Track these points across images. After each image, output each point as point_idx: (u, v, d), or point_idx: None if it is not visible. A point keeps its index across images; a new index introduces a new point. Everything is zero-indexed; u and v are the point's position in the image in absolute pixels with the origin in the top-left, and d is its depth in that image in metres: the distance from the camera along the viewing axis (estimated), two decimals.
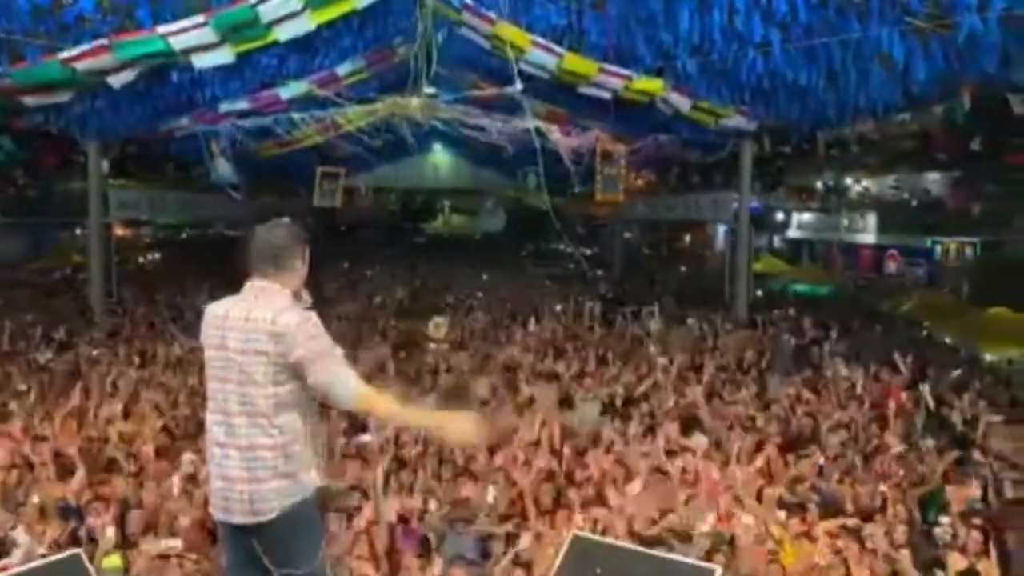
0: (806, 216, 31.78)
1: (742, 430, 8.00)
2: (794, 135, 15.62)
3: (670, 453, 6.98)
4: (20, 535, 5.36)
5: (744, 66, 10.30)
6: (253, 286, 3.11)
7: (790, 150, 16.30)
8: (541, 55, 10.72)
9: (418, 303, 17.92)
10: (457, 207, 41.87)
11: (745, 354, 11.61)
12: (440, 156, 26.88)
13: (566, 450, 7.08)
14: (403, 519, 5.77)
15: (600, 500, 6.06)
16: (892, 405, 8.58)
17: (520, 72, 10.25)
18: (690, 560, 3.61)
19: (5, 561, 4.95)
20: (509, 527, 5.53)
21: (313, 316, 3.06)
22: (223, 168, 15.98)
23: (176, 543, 5.36)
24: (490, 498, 5.93)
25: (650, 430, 7.88)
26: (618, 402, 8.93)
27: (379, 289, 19.87)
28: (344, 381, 2.99)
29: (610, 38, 10.51)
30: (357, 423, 7.54)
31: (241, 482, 3.02)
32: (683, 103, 12.09)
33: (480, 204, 39.65)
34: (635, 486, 6.19)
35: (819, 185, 30.28)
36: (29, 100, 10.83)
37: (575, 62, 10.89)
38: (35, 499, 5.84)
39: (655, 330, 13.77)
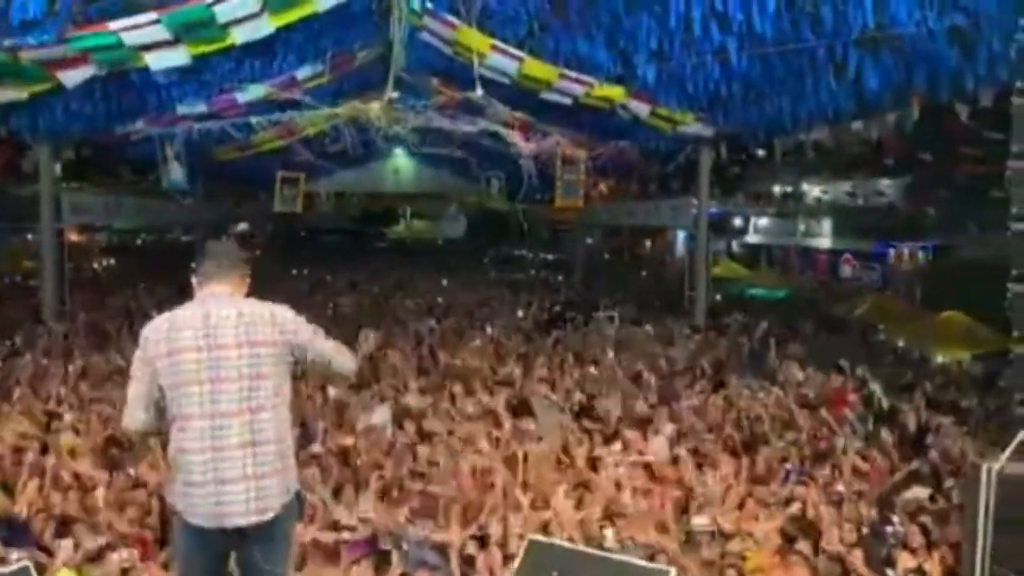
0: (764, 221, 32.32)
1: (697, 432, 8.09)
2: (751, 141, 15.88)
3: (633, 462, 7.03)
4: None
5: (701, 73, 10.43)
6: (217, 291, 3.18)
7: (747, 156, 16.56)
8: (502, 60, 10.75)
9: (379, 308, 17.81)
10: (418, 212, 41.79)
11: (702, 358, 11.75)
12: (401, 161, 26.82)
13: (521, 455, 7.09)
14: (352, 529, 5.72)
15: (551, 506, 6.07)
16: (844, 406, 8.77)
17: (481, 77, 10.26)
18: (645, 563, 3.63)
19: None
20: (466, 533, 5.51)
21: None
22: (176, 173, 15.79)
23: (131, 555, 5.26)
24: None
25: (610, 435, 7.94)
26: (576, 408, 8.96)
27: (336, 295, 19.70)
28: (341, 348, 3.33)
29: (570, 45, 10.56)
30: (309, 433, 7.47)
31: (243, 480, 2.98)
32: (642, 109, 12.21)
33: (442, 209, 39.64)
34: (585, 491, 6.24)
35: (776, 191, 30.83)
36: None
37: (535, 67, 10.94)
38: None
39: (614, 335, 13.86)
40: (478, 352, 11.58)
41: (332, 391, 8.66)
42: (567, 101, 12.00)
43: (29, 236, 25.82)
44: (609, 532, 5.41)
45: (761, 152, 18.34)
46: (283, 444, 3.11)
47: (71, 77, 10.01)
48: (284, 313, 3.18)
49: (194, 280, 3.25)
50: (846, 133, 12.31)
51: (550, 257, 32.18)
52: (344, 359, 3.32)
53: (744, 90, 11.12)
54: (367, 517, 5.68)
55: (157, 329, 3.11)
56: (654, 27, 9.28)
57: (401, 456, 7.02)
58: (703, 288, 15.94)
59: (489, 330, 13.62)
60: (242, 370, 3.01)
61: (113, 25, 9.04)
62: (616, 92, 11.48)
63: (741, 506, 6.24)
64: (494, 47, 10.57)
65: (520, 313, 16.13)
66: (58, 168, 15.40)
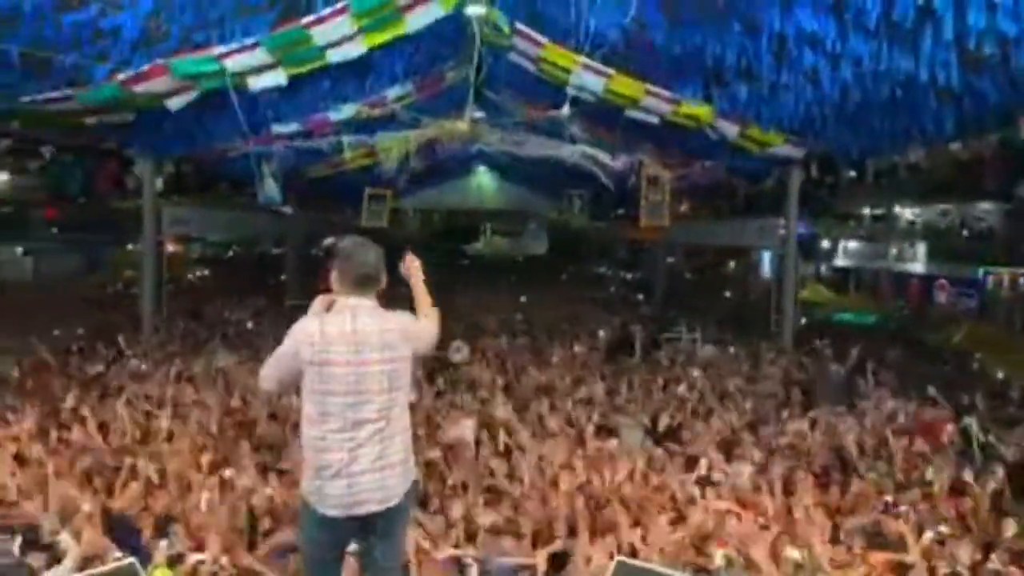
0: (853, 244, 31.32)
1: (785, 459, 7.89)
2: (843, 162, 15.47)
3: (712, 482, 6.92)
4: (68, 542, 5.47)
5: (793, 94, 10.23)
6: (360, 304, 3.36)
7: (837, 177, 16.13)
8: (589, 77, 10.77)
9: (459, 323, 17.98)
10: (499, 229, 42.07)
11: (789, 382, 11.46)
12: (484, 178, 27.10)
13: (606, 475, 7.04)
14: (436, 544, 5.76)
15: (639, 527, 6.02)
16: (938, 438, 8.41)
17: (568, 97, 10.31)
18: None
19: (55, 569, 5.06)
20: (550, 551, 5.50)
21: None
22: (270, 189, 16.34)
23: (221, 554, 5.44)
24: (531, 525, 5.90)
25: (692, 458, 7.81)
26: (660, 428, 8.86)
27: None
28: (431, 329, 3.65)
29: (657, 64, 10.51)
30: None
31: (372, 472, 3.26)
32: (731, 130, 12.04)
33: (523, 226, 39.79)
34: (675, 514, 6.14)
35: (867, 212, 29.87)
36: (91, 120, 11.21)
37: (623, 84, 10.93)
38: (86, 507, 5.97)
39: (698, 356, 13.65)
40: (560, 369, 11.56)
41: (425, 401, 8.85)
42: (653, 120, 11.96)
43: (129, 247, 27.16)
44: (719, 552, 5.31)
45: (852, 173, 17.84)
46: (406, 435, 3.41)
47: (174, 102, 10.54)
48: (411, 325, 3.44)
49: (334, 284, 3.38)
50: (943, 154, 11.88)
51: (630, 276, 31.92)
52: (434, 337, 3.64)
53: (837, 110, 10.85)
54: (449, 531, 5.73)
55: (310, 336, 3.28)
56: (746, 47, 9.14)
57: (485, 471, 7.06)
58: (791, 311, 15.58)
59: (572, 348, 13.58)
60: (382, 383, 3.28)
61: (216, 50, 9.47)
62: (703, 112, 11.36)
63: (834, 539, 6.03)
64: (581, 64, 10.63)
65: (601, 332, 16.04)
66: (160, 183, 16.12)
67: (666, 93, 10.98)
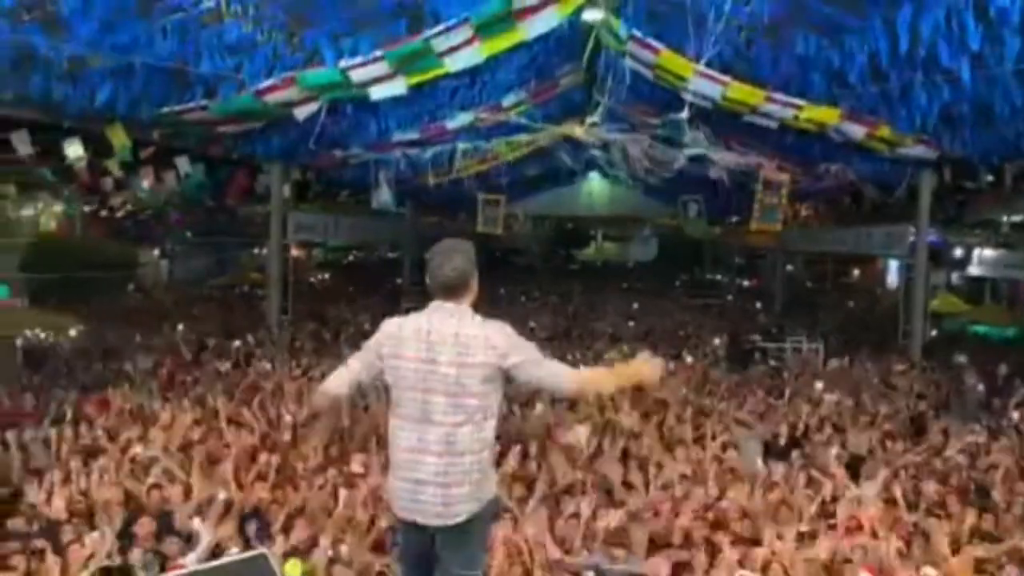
0: (988, 252, 29.41)
1: (915, 479, 7.47)
2: (979, 166, 14.58)
3: (836, 499, 6.62)
4: (203, 528, 5.77)
5: (927, 94, 9.70)
6: (443, 306, 3.31)
7: (975, 182, 15.20)
8: (705, 84, 10.57)
9: (573, 330, 17.97)
10: (610, 235, 41.81)
11: (919, 397, 10.87)
12: (596, 184, 27.01)
13: (724, 489, 6.86)
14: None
15: (760, 543, 5.83)
16: None
17: (684, 101, 10.14)
18: None
19: (189, 556, 5.34)
20: (670, 563, 5.40)
21: (508, 326, 3.33)
22: (385, 195, 16.80)
23: (347, 549, 5.60)
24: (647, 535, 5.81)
25: (814, 474, 7.51)
26: (781, 442, 8.56)
27: (532, 314, 20.05)
28: (555, 371, 3.35)
29: (779, 66, 10.21)
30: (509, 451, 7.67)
31: (434, 486, 3.20)
32: (857, 131, 11.53)
33: (633, 232, 39.41)
34: (797, 531, 5.90)
35: (1004, 219, 28.01)
36: (223, 129, 11.83)
37: (741, 91, 10.66)
38: (221, 496, 6.28)
39: (821, 368, 13.14)
40: (676, 381, 11.35)
41: (538, 409, 8.87)
42: (772, 124, 11.61)
43: (255, 251, 28.47)
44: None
45: (989, 177, 16.79)
46: (480, 455, 3.27)
47: (301, 111, 10.99)
48: (498, 336, 3.24)
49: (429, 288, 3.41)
50: None
51: (746, 283, 31.04)
52: (554, 380, 3.38)
53: (975, 111, 10.22)
54: (564, 537, 5.71)
55: (391, 331, 3.36)
56: (875, 46, 8.74)
57: (602, 479, 7.01)
58: (920, 322, 14.81)
59: (688, 357, 13.32)
60: (450, 388, 3.19)
61: (342, 63, 9.82)
62: (829, 114, 10.92)
63: (979, 569, 5.64)
64: (697, 71, 10.43)
65: (717, 341, 15.66)
66: (287, 190, 16.84)
67: (787, 98, 10.62)
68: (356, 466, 7.06)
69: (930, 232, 16.20)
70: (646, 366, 3.51)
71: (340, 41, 9.91)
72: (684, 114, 10.13)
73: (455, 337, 3.21)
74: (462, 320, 3.28)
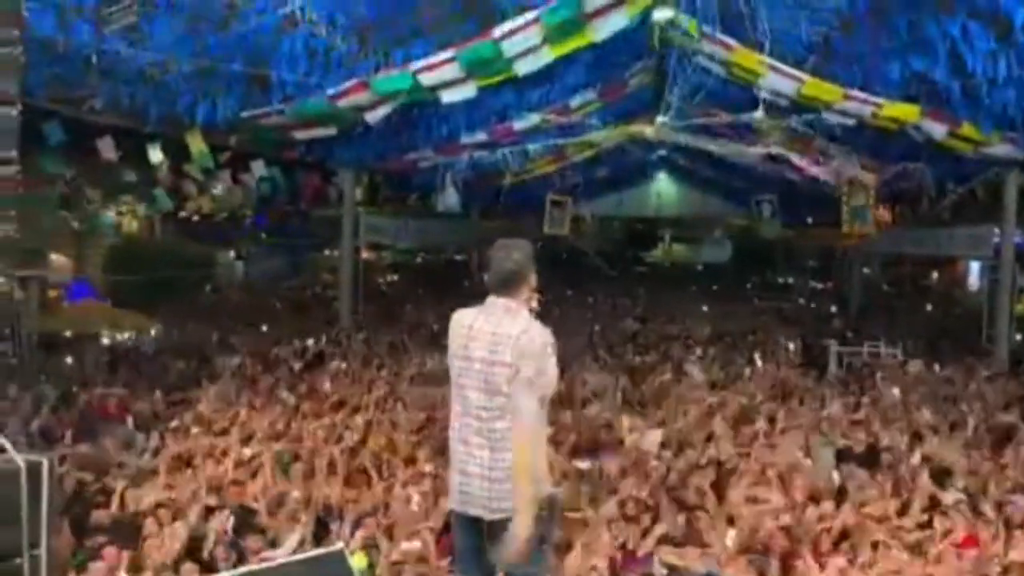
0: None
1: (1004, 490, 7.14)
2: None
3: (924, 510, 6.39)
4: (283, 527, 5.91)
5: (1015, 87, 9.29)
6: (496, 302, 3.35)
7: None
8: (780, 80, 10.34)
9: (640, 335, 17.75)
10: (679, 236, 41.23)
11: (1007, 404, 10.40)
12: (664, 184, 26.75)
13: (799, 497, 6.69)
14: (628, 550, 5.71)
15: (840, 552, 5.67)
16: None
17: (760, 99, 9.94)
18: None
19: (275, 551, 5.46)
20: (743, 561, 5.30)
21: (551, 341, 3.28)
22: (451, 197, 16.91)
23: (415, 546, 5.65)
24: (728, 541, 5.72)
25: (896, 483, 7.27)
26: (859, 450, 8.29)
27: (600, 317, 19.86)
28: (524, 406, 3.16)
29: (858, 62, 9.91)
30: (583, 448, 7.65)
31: (481, 479, 3.26)
32: (938, 130, 11.11)
33: (703, 234, 38.80)
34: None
35: None
36: (299, 135, 12.08)
37: (818, 88, 10.39)
38: (296, 494, 6.42)
39: (900, 374, 12.70)
40: (749, 385, 11.14)
41: (593, 410, 8.82)
42: (850, 122, 11.28)
43: (326, 252, 29.01)
44: None
45: None
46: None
47: (373, 115, 11.14)
48: (528, 342, 3.21)
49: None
50: None
51: (820, 286, 30.22)
52: (518, 417, 3.19)
53: None
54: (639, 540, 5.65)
55: (451, 324, 3.46)
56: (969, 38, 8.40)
57: (671, 483, 6.93)
58: (1006, 327, 14.20)
59: (762, 362, 13.05)
60: (482, 383, 3.26)
61: (413, 67, 9.91)
62: (909, 111, 10.55)
63: None
64: (771, 67, 10.21)
65: (791, 346, 15.27)
66: (358, 193, 17.13)
67: (866, 96, 10.30)
68: (425, 465, 7.13)
69: (1016, 233, 15.53)
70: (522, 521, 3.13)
71: (409, 43, 10.00)
72: (759, 113, 9.90)
73: (491, 335, 3.27)
74: (505, 317, 3.30)
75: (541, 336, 3.26)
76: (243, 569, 3.91)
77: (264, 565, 4.17)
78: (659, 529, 5.91)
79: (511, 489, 3.19)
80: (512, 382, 3.18)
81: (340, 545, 3.85)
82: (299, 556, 3.96)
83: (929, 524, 6.27)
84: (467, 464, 3.30)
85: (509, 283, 3.35)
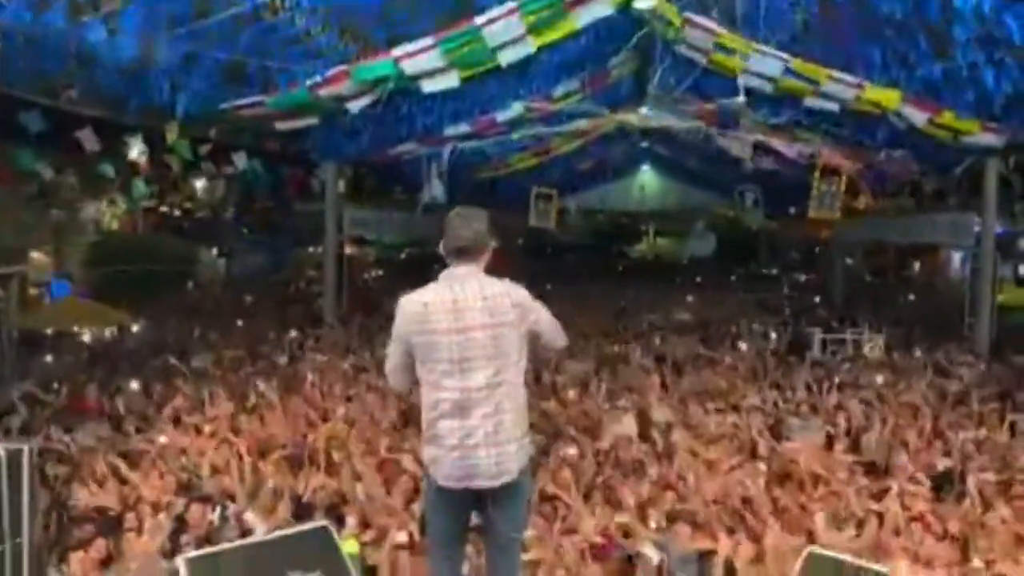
0: None
1: (980, 471, 7.19)
2: None
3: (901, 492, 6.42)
4: (254, 519, 5.85)
5: (995, 74, 9.34)
6: (462, 271, 3.36)
7: None
8: (766, 62, 10.34)
9: (622, 324, 17.79)
10: (662, 230, 41.29)
11: (986, 389, 10.48)
12: (647, 177, 26.75)
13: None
14: (607, 535, 5.70)
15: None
16: None
17: (741, 86, 9.97)
18: None
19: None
20: (728, 543, 5.31)
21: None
22: (436, 190, 16.79)
23: (403, 536, 5.62)
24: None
25: (871, 463, 7.34)
26: (840, 434, 8.33)
27: (581, 310, 19.85)
28: (556, 326, 3.56)
29: (839, 46, 9.95)
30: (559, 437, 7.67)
31: (487, 448, 3.23)
32: (918, 117, 11.17)
33: (687, 227, 38.88)
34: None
35: None
36: (280, 125, 11.99)
37: (804, 67, 10.42)
38: (270, 485, 6.37)
39: (880, 360, 12.79)
40: (729, 372, 11.18)
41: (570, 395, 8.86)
42: (834, 107, 11.32)
43: (310, 249, 28.88)
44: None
45: None
46: (519, 413, 3.33)
47: (355, 104, 11.08)
48: (519, 293, 3.36)
49: (443, 252, 3.44)
50: None
51: (803, 277, 30.40)
52: (557, 335, 3.56)
53: None
54: (623, 522, 5.65)
55: (412, 310, 3.36)
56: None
57: (650, 468, 6.94)
58: (987, 314, 14.33)
59: (742, 347, 13.11)
60: (488, 350, 3.24)
61: (394, 52, 9.86)
62: (890, 96, 10.62)
63: None
64: (757, 49, 10.23)
65: (773, 334, 15.35)
66: (341, 186, 17.02)
67: (849, 78, 10.35)
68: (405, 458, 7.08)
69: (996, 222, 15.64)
70: None
71: (392, 31, 9.94)
72: (742, 97, 9.92)
73: (483, 300, 3.26)
74: (482, 282, 3.33)
75: (518, 287, 3.40)
76: (229, 545, 3.86)
77: (249, 540, 4.13)
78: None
79: (514, 451, 3.26)
80: (523, 336, 3.33)
81: (324, 522, 3.80)
82: (285, 532, 3.92)
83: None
84: (469, 437, 3.24)
85: (471, 251, 3.36)
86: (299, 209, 24.30)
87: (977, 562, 5.24)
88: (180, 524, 5.78)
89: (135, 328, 16.40)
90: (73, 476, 6.91)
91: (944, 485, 6.86)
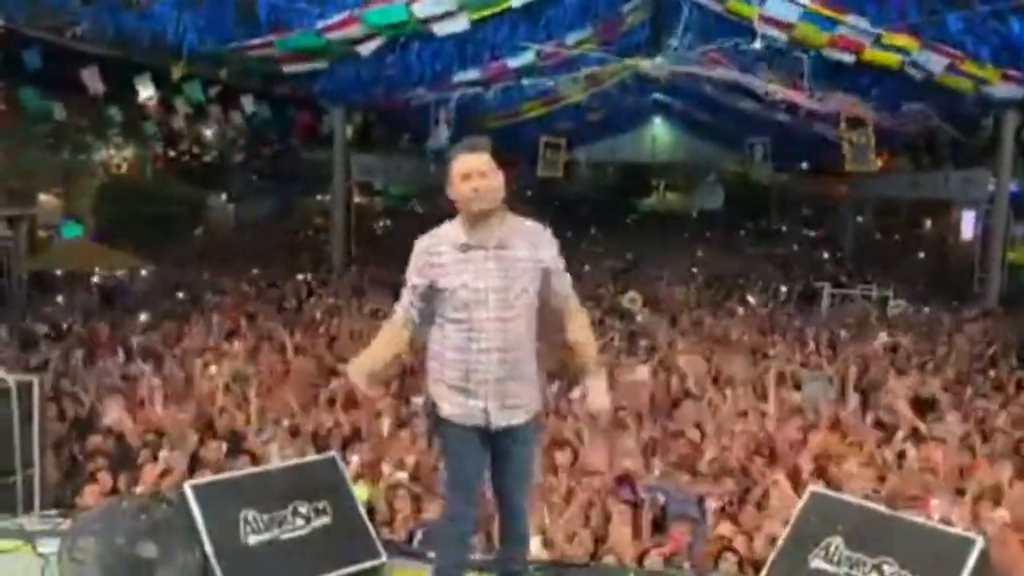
0: None
1: (984, 424, 7.24)
2: None
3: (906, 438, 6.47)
4: (273, 451, 5.94)
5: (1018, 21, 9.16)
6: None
7: None
8: (783, 5, 10.13)
9: (629, 276, 17.76)
10: (672, 184, 40.95)
11: (995, 344, 10.49)
12: (660, 129, 26.47)
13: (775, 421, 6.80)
14: (621, 479, 5.75)
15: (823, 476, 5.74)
16: None
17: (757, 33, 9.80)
18: (951, 529, 3.27)
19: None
20: (731, 486, 5.37)
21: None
22: (443, 135, 16.56)
23: (403, 475, 5.70)
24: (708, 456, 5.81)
25: (885, 414, 7.36)
26: (847, 385, 8.36)
27: (590, 260, 19.85)
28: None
29: None
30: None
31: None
32: (937, 64, 10.91)
33: (697, 180, 38.53)
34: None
35: None
36: (288, 68, 11.86)
37: (821, 10, 10.21)
38: (285, 423, 6.45)
39: (890, 315, 12.78)
40: (740, 323, 11.20)
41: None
42: (849, 58, 11.13)
43: (319, 197, 28.80)
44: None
45: None
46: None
47: (365, 47, 10.95)
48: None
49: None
50: None
51: (813, 234, 30.23)
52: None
53: None
54: (626, 466, 5.71)
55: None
56: None
57: (661, 414, 6.99)
58: (997, 271, 14.26)
59: (751, 300, 13.10)
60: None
61: None
62: (908, 42, 10.39)
63: None
64: None
65: (784, 288, 15.31)
66: (349, 132, 16.91)
67: (864, 24, 10.15)
68: (414, 399, 7.14)
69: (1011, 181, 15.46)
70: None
71: None
72: (757, 43, 9.76)
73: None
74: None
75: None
76: (236, 473, 3.90)
77: (256, 469, 4.18)
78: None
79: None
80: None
81: (332, 453, 3.84)
82: (294, 462, 3.96)
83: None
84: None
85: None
86: (307, 157, 24.18)
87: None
88: (194, 460, 5.86)
89: (144, 271, 16.48)
90: (89, 413, 7.00)
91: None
